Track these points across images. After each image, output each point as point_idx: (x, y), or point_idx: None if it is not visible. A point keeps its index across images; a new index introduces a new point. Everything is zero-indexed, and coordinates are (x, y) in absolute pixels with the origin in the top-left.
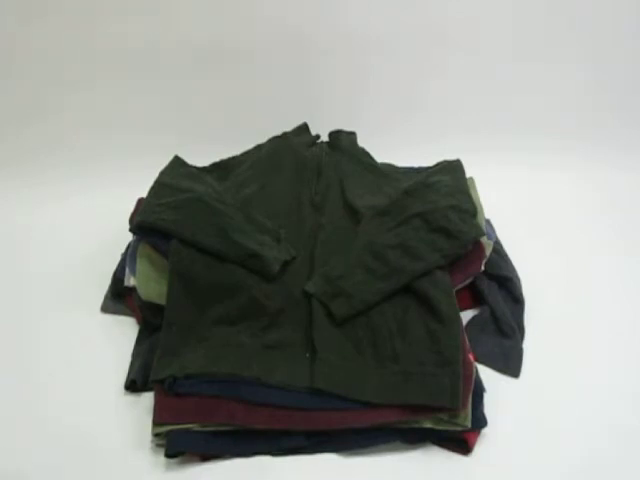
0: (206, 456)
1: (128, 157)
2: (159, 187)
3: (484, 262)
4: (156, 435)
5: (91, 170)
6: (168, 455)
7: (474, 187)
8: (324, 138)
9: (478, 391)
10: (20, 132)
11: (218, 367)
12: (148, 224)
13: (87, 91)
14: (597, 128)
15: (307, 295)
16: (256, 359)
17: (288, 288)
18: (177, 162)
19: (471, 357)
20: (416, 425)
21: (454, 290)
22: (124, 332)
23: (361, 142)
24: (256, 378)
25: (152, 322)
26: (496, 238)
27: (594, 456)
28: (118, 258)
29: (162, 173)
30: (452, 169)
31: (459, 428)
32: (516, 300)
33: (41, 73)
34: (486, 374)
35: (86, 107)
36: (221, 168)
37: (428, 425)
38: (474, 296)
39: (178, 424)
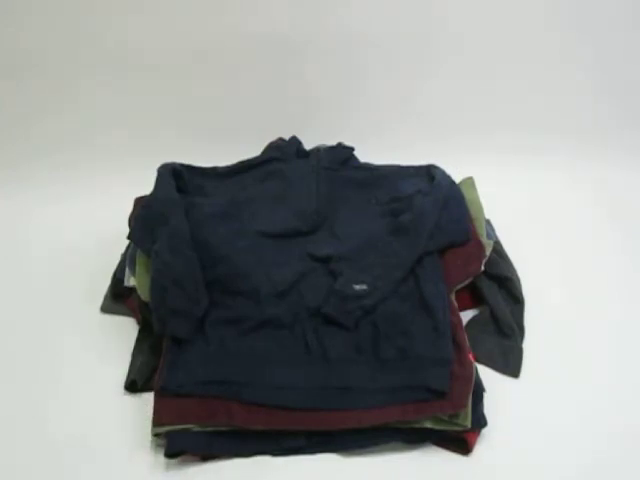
0: (206, 456)
1: (128, 157)
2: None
3: (484, 262)
4: (156, 435)
5: (91, 170)
6: (168, 455)
7: (474, 186)
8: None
9: (478, 391)
10: (20, 134)
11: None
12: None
13: (87, 92)
14: (597, 128)
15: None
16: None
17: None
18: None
19: (471, 357)
20: (416, 425)
21: (454, 290)
22: (124, 332)
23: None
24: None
25: (152, 322)
26: (496, 238)
27: (594, 457)
28: (118, 258)
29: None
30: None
31: (459, 428)
32: (516, 300)
33: (41, 75)
34: (486, 374)
35: (86, 108)
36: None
37: (428, 425)
38: (474, 296)
39: (178, 424)
